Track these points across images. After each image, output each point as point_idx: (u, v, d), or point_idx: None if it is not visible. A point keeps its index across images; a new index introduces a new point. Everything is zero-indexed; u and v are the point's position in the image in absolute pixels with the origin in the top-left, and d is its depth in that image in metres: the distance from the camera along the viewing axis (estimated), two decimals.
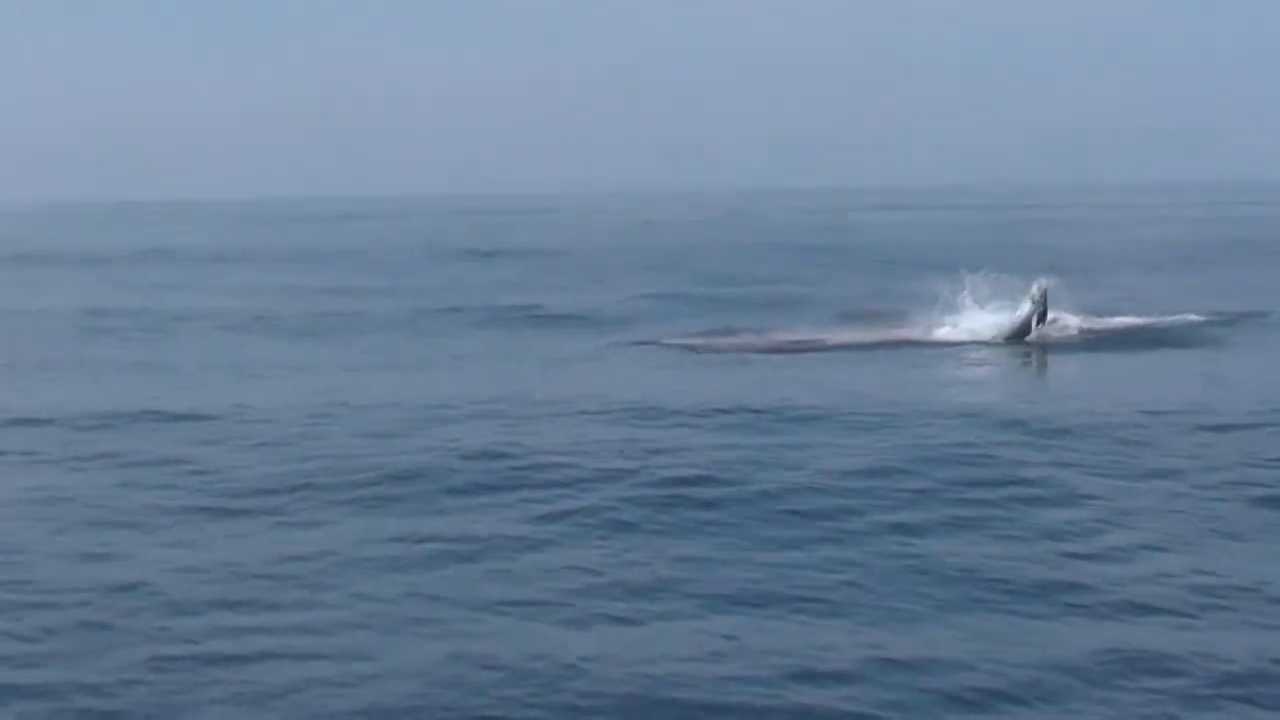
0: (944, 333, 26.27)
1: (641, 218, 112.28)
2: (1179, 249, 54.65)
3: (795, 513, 13.01)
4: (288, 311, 34.95)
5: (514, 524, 12.84)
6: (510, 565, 11.62)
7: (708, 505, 13.33)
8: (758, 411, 18.15)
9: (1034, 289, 26.29)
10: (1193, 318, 28.33)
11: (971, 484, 13.91)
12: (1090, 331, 26.82)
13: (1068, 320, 27.03)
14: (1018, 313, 26.34)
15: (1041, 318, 26.34)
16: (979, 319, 26.44)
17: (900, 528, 12.56)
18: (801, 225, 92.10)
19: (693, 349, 25.70)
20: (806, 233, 78.98)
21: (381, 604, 10.65)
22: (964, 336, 26.04)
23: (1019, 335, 26.20)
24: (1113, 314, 28.59)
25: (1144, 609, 10.39)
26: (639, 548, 12.05)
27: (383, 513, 13.34)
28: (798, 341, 26.20)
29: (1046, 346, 25.79)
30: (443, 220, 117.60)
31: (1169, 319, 28.22)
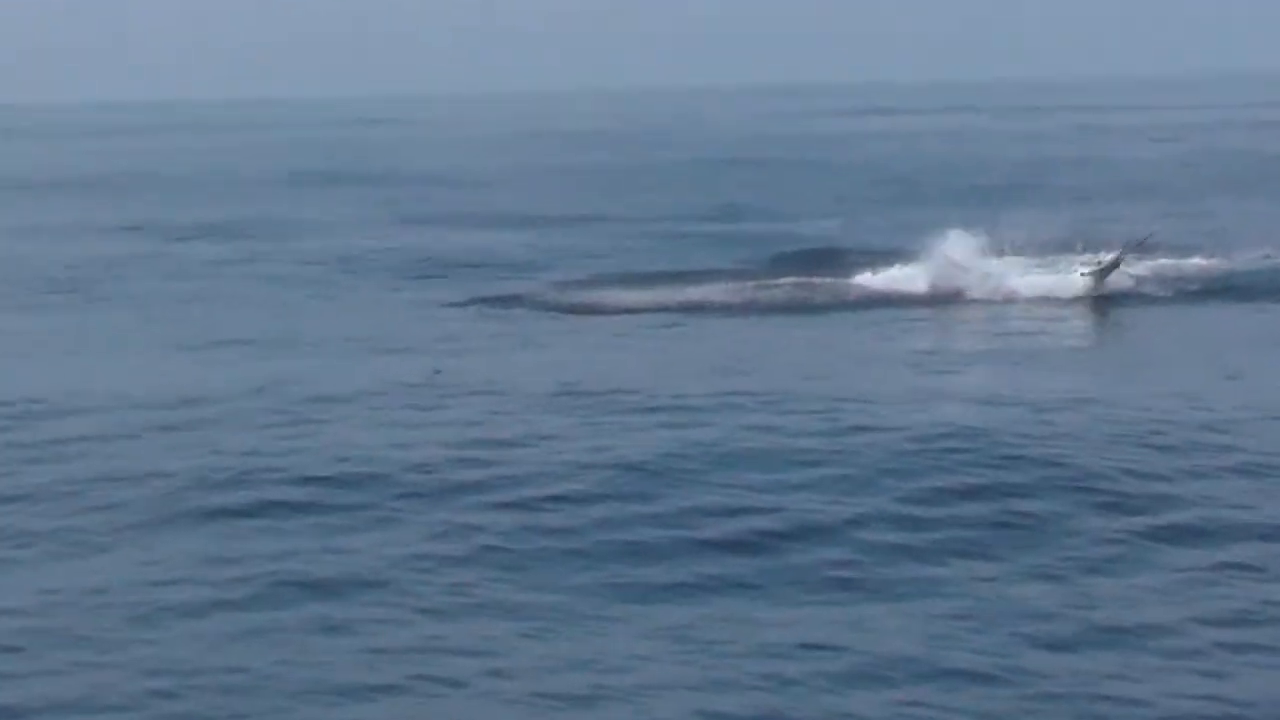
0: (927, 283, 26.60)
1: (534, 127, 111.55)
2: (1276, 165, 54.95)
3: (718, 542, 12.98)
4: (45, 262, 34.41)
5: (326, 555, 12.85)
6: (314, 610, 11.61)
7: (600, 526, 13.36)
8: (676, 396, 18.21)
9: (1108, 256, 26.42)
10: None
11: (969, 494, 14.08)
12: (1145, 279, 26.90)
13: (1119, 263, 26.78)
14: (1069, 274, 26.48)
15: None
16: (990, 266, 26.59)
17: (851, 559, 12.55)
18: (761, 135, 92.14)
19: (576, 308, 26.02)
20: (767, 145, 79.31)
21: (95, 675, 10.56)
22: (957, 286, 26.25)
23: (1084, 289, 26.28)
24: (1179, 254, 28.64)
25: (1210, 655, 10.59)
26: (475, 590, 12.05)
27: (140, 545, 13.35)
28: (713, 294, 26.68)
29: (1084, 301, 26.01)
30: (274, 134, 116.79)
31: (1248, 261, 28.43)
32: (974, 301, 25.88)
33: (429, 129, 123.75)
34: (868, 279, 27.23)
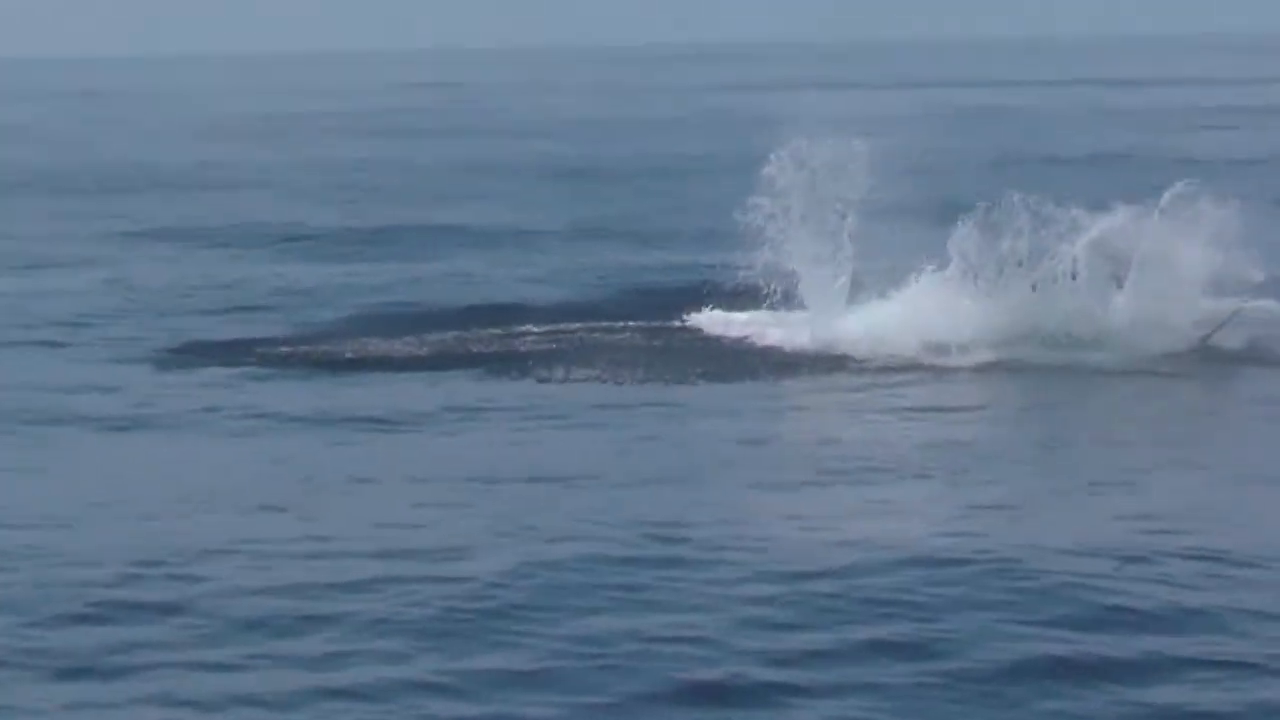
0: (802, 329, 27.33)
1: (320, 105, 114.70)
2: None
3: (561, 705, 13.02)
4: None
5: None
6: None
7: (384, 696, 13.23)
8: (481, 504, 18.37)
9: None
10: None
11: (909, 643, 14.17)
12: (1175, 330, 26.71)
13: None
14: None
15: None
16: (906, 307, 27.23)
17: None
18: (650, 118, 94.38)
19: (326, 362, 26.79)
20: (657, 132, 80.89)
21: None
22: (860, 342, 26.72)
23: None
24: (1233, 295, 28.13)
25: None
26: None
27: None
28: (523, 345, 27.66)
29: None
30: None
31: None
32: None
33: (170, 105, 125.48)
34: (724, 323, 28.31)
